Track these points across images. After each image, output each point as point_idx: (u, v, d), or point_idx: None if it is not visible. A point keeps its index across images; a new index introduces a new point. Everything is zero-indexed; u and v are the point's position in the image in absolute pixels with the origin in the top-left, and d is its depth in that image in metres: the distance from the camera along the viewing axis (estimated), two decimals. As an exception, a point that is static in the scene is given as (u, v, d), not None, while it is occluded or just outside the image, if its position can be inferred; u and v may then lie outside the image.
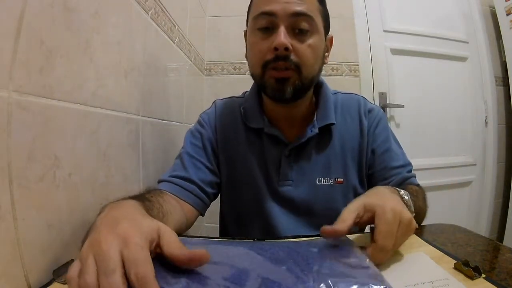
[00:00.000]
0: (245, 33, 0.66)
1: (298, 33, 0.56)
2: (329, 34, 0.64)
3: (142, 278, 0.23)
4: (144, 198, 0.43)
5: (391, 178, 0.64)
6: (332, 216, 0.61)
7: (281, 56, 0.55)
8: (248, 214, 0.66)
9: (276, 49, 0.54)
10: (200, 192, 0.61)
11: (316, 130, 0.63)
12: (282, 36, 0.54)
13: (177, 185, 0.59)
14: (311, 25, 0.56)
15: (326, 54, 0.64)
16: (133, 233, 0.26)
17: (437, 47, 1.56)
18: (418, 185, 0.65)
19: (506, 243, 0.74)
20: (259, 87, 0.63)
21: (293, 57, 0.55)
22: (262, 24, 0.57)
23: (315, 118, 0.64)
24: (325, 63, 0.63)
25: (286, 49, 0.54)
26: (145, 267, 0.24)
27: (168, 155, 0.87)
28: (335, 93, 0.71)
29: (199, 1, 1.29)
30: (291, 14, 0.55)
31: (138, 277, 0.23)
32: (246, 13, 0.65)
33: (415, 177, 0.66)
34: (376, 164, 0.65)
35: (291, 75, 0.56)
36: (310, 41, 0.57)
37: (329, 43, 0.65)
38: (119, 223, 0.27)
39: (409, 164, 0.67)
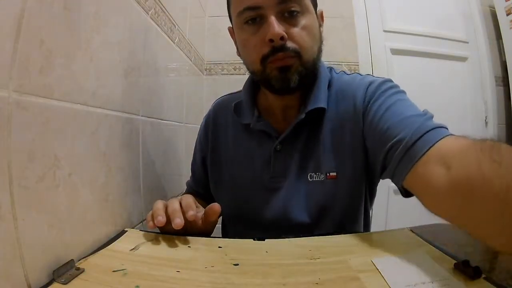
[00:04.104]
0: (231, 30, 0.62)
1: (288, 16, 0.52)
2: (318, 9, 0.59)
3: (187, 204, 0.49)
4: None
5: (406, 128, 0.46)
6: (325, 214, 0.59)
7: (278, 47, 0.51)
8: (243, 214, 0.64)
9: (271, 41, 0.50)
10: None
11: (302, 116, 0.56)
12: (276, 27, 0.49)
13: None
14: (300, 5, 0.52)
15: (321, 29, 0.59)
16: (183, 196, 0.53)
17: (437, 47, 1.56)
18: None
19: (506, 243, 0.74)
20: (262, 83, 0.60)
21: (290, 44, 0.51)
22: (248, 17, 0.53)
23: (306, 104, 0.58)
24: (322, 41, 0.58)
25: (282, 38, 0.50)
26: (188, 200, 0.50)
27: (168, 155, 0.87)
28: (339, 72, 0.63)
29: (199, 1, 1.29)
30: (277, 2, 0.50)
31: (185, 203, 0.49)
32: (227, 7, 0.60)
33: (446, 127, 0.47)
34: (381, 125, 0.50)
35: (293, 62, 0.52)
36: (303, 22, 0.53)
37: (320, 18, 0.60)
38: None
39: (427, 113, 0.50)
